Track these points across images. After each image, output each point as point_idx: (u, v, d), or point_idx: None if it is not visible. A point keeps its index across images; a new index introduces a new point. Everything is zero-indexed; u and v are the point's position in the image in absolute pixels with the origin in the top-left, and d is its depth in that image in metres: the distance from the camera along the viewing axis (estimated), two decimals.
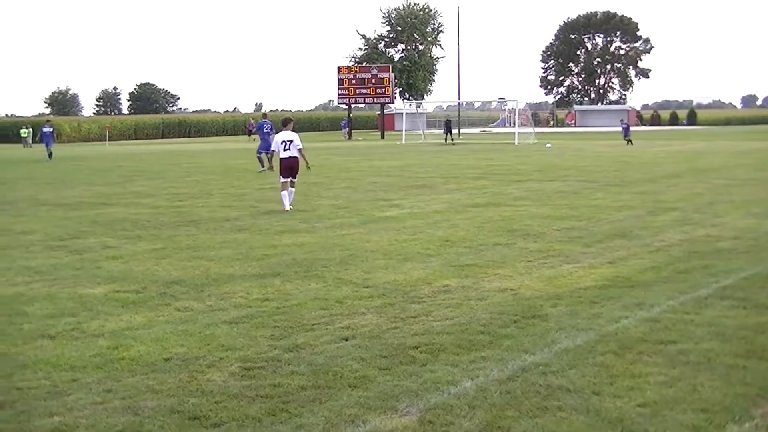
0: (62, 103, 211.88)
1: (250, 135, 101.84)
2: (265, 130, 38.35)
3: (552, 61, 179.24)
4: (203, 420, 7.07)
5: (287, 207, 21.91)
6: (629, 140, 65.50)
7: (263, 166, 36.28)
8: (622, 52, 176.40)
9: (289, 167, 22.21)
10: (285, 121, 23.26)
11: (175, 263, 14.55)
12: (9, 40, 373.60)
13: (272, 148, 22.55)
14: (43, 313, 10.94)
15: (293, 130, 22.78)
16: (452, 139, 76.21)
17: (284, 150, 22.25)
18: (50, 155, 55.12)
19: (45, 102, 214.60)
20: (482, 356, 8.69)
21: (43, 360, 8.84)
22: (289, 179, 22.24)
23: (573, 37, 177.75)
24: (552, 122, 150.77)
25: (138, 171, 39.67)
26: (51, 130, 58.00)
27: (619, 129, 71.37)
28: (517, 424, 6.84)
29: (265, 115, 41.12)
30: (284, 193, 22.20)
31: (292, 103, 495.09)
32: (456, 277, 12.96)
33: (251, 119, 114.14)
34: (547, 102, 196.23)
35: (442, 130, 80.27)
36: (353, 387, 7.80)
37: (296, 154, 22.23)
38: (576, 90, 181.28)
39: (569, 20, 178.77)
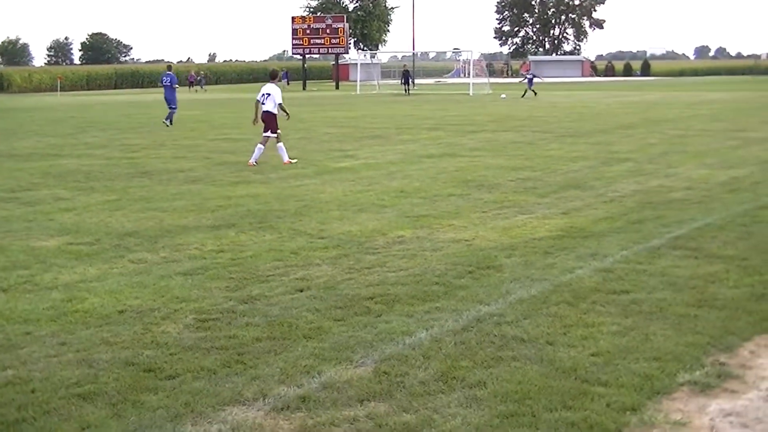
0: (12, 53, 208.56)
1: (191, 86, 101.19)
2: (164, 83, 37.35)
3: (507, 12, 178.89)
4: (158, 372, 7.05)
5: (253, 160, 21.64)
6: (531, 91, 63.48)
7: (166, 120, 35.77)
8: (577, 2, 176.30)
9: (265, 120, 21.98)
10: (273, 74, 23.14)
11: (128, 215, 14.45)
12: None
13: (256, 98, 22.32)
14: None
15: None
16: (408, 91, 75.59)
17: (262, 103, 22.12)
18: None
19: None
20: (437, 307, 8.73)
21: None
22: (268, 133, 21.99)
23: None
24: (506, 72, 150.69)
25: (90, 122, 39.27)
26: None
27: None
28: (471, 374, 6.88)
29: (169, 68, 39.48)
30: (259, 146, 21.99)
31: (246, 54, 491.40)
32: (411, 228, 12.98)
33: (192, 71, 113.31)
34: (501, 53, 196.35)
35: (400, 81, 79.53)
36: (308, 338, 7.81)
37: (271, 109, 21.96)
38: (531, 41, 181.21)
39: None
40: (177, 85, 37.11)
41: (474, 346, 7.52)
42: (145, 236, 12.59)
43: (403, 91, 74.71)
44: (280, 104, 22.06)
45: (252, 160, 21.63)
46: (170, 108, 35.74)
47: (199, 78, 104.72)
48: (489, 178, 18.19)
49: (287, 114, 22.78)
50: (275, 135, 21.96)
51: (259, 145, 21.92)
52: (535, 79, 67.16)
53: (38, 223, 13.82)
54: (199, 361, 7.28)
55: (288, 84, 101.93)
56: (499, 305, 8.75)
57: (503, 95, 61.99)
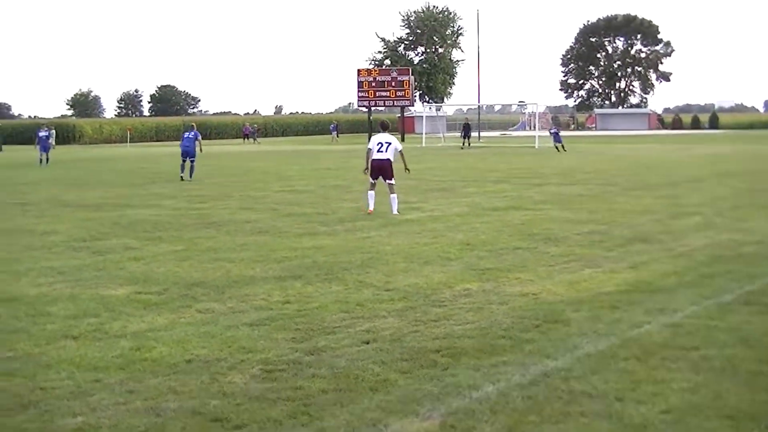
0: (84, 104, 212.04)
1: (245, 139, 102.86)
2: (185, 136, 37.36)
3: (572, 65, 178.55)
4: (225, 422, 7.08)
5: (371, 208, 21.78)
6: (561, 146, 62.42)
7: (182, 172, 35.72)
8: (643, 55, 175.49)
9: (379, 168, 21.96)
10: (383, 125, 23.21)
11: (196, 265, 14.58)
12: (32, 42, 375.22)
13: (368, 147, 22.50)
14: (66, 314, 10.98)
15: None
16: (469, 143, 74.82)
17: (377, 151, 22.07)
18: (41, 161, 50.40)
19: (67, 104, 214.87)
20: (504, 361, 8.67)
21: (66, 360, 8.88)
22: (377, 180, 22.05)
23: (593, 40, 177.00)
24: (572, 125, 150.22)
25: (159, 173, 39.80)
26: (47, 134, 53.19)
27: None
28: (539, 430, 6.82)
29: (192, 126, 39.17)
30: (371, 193, 22.07)
31: (311, 106, 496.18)
32: (477, 280, 12.93)
33: (245, 123, 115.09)
34: (567, 105, 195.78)
35: (460, 134, 79.01)
36: (374, 390, 7.79)
37: (389, 157, 22.02)
38: (596, 93, 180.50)
39: (589, 23, 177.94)
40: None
41: (541, 400, 7.45)
42: (212, 286, 12.68)
43: (461, 145, 73.72)
44: (400, 151, 22.29)
45: (370, 207, 21.74)
46: (191, 161, 35.73)
47: (252, 130, 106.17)
48: (555, 231, 18.08)
49: (406, 165, 23.03)
50: (391, 183, 21.94)
51: (371, 192, 22.03)
52: (562, 133, 66.46)
53: (108, 272, 13.99)
54: (266, 411, 7.30)
55: (338, 137, 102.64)
56: (567, 360, 8.67)
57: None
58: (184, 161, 35.70)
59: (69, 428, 6.98)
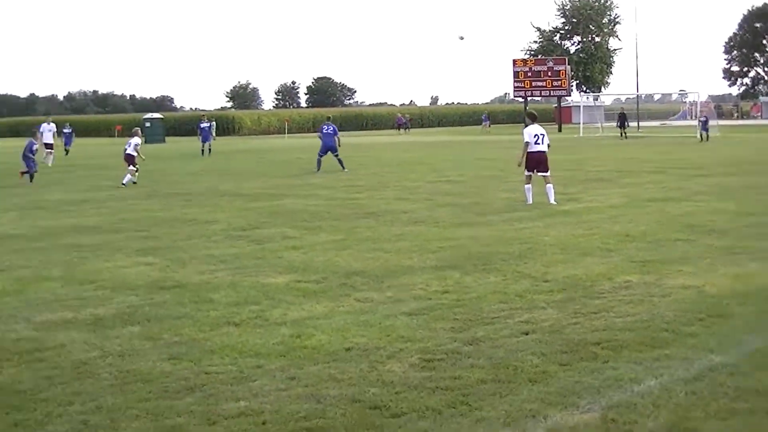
0: (243, 96, 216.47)
1: (399, 129, 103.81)
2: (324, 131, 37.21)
3: (736, 52, 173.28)
4: (383, 410, 7.12)
5: (530, 200, 21.68)
6: (706, 135, 60.24)
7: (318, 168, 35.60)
8: None
9: (537, 160, 22.04)
10: (533, 116, 23.13)
11: (354, 254, 14.71)
12: (193, 37, 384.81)
13: (525, 140, 22.35)
14: (228, 301, 11.23)
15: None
16: (625, 134, 72.80)
17: (535, 143, 22.11)
18: (203, 152, 52.04)
19: (227, 96, 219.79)
20: (666, 354, 8.49)
21: (229, 346, 9.08)
22: (533, 173, 22.04)
23: (758, 25, 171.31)
24: (736, 114, 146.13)
25: (315, 163, 40.32)
26: (209, 125, 54.83)
27: None
28: (704, 426, 6.65)
29: (329, 118, 39.17)
30: (528, 186, 21.98)
31: (467, 96, 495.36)
32: (637, 272, 12.69)
33: (398, 114, 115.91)
34: (730, 94, 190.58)
35: (616, 124, 77.11)
36: (533, 382, 7.73)
37: (545, 149, 22.17)
38: (762, 81, 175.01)
39: (754, 9, 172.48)
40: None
41: (706, 396, 7.26)
42: (370, 275, 12.78)
43: (619, 135, 71.98)
44: (548, 144, 22.33)
45: (529, 200, 21.62)
46: (335, 155, 35.75)
47: (404, 121, 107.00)
48: (718, 224, 17.59)
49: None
50: (546, 174, 21.97)
51: (528, 186, 21.92)
52: (711, 122, 64.40)
53: (267, 261, 14.24)
54: (424, 400, 7.31)
55: (489, 127, 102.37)
56: (732, 355, 8.42)
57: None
58: (322, 155, 35.97)
59: (233, 412, 7.13)
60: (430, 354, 8.66)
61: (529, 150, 22.11)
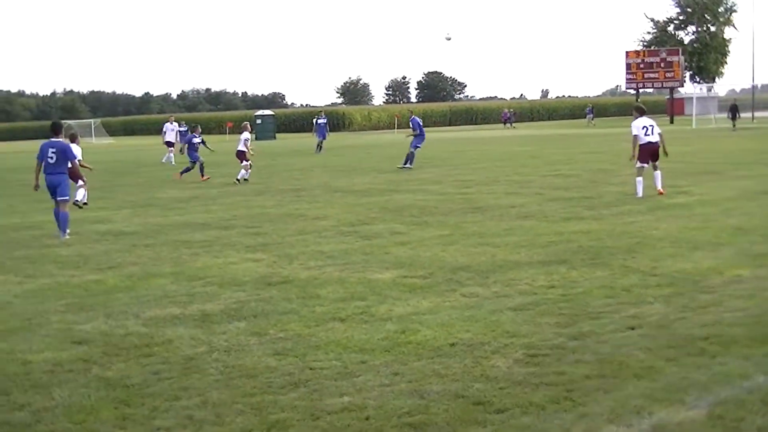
0: (353, 92, 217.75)
1: (505, 124, 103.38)
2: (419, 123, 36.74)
3: None
4: (487, 405, 7.11)
5: (640, 193, 21.49)
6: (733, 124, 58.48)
7: (406, 164, 35.25)
8: None
9: (651, 152, 21.97)
10: (641, 110, 23.03)
11: (461, 249, 14.70)
12: (305, 33, 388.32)
13: (633, 133, 22.29)
14: (335, 297, 11.32)
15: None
16: (734, 125, 70.88)
17: (645, 135, 22.05)
18: (319, 148, 51.75)
19: (337, 92, 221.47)
20: None
21: (334, 341, 9.15)
22: (647, 164, 21.92)
23: None
24: None
25: (426, 158, 40.27)
26: (325, 120, 54.65)
27: None
28: None
29: (411, 112, 38.25)
30: (639, 179, 21.81)
31: (578, 89, 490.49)
32: (749, 266, 12.43)
33: (504, 108, 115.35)
34: None
35: (727, 115, 75.25)
36: (639, 377, 7.64)
37: (658, 139, 22.10)
38: None
39: None
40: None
41: None
42: (477, 271, 12.75)
43: (731, 126, 70.20)
44: (660, 134, 22.22)
45: (639, 193, 21.45)
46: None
47: (509, 115, 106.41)
48: None
49: (665, 149, 22.50)
50: (657, 163, 21.92)
51: (639, 178, 21.76)
52: None
53: (375, 256, 14.31)
54: (528, 396, 7.27)
55: (593, 120, 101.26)
56: None
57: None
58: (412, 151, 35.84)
59: (336, 407, 7.18)
60: (534, 349, 8.62)
61: (641, 142, 21.91)
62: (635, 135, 22.08)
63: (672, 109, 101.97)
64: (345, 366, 8.29)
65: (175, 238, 17.18)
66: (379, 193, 25.13)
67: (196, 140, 33.99)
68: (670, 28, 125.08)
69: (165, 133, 46.48)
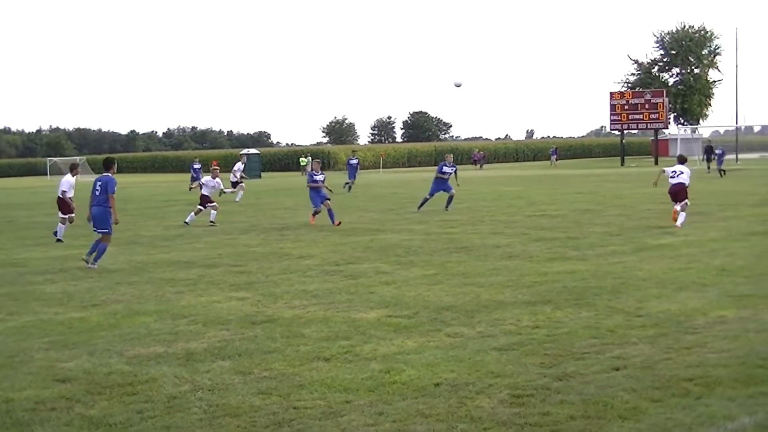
0: (339, 132, 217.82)
1: (474, 165, 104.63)
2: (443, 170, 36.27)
3: None
4: None
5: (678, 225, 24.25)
6: (722, 171, 59.93)
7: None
8: None
9: (675, 192, 25.13)
10: (681, 159, 26.89)
11: (446, 289, 14.70)
12: (290, 73, 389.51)
13: (664, 172, 26.51)
14: (319, 336, 11.29)
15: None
16: (709, 167, 69.57)
17: (671, 177, 25.58)
18: (349, 187, 49.88)
19: (323, 131, 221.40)
20: (761, 391, 8.32)
21: (318, 381, 9.12)
22: (678, 206, 24.85)
23: None
24: None
25: (411, 198, 40.30)
26: (357, 161, 53.64)
27: None
28: None
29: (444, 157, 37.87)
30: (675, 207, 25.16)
31: (563, 130, 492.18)
32: (733, 307, 12.47)
33: (475, 150, 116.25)
34: None
35: (702, 157, 74.58)
36: (624, 418, 7.64)
37: (683, 180, 25.24)
38: None
39: None
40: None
41: None
42: (462, 310, 12.75)
43: (706, 168, 68.78)
44: (689, 176, 25.72)
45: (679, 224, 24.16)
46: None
47: (479, 157, 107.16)
48: None
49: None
50: (683, 203, 24.85)
51: (678, 209, 24.87)
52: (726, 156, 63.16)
53: (359, 296, 14.30)
54: None
55: (556, 161, 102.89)
56: None
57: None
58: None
59: None
60: (519, 390, 8.61)
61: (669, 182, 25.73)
62: (662, 170, 26.98)
63: (656, 150, 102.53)
64: (329, 405, 8.26)
65: (159, 276, 17.13)
66: (365, 232, 25.13)
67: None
68: (655, 69, 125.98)
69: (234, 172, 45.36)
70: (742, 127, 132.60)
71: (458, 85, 47.88)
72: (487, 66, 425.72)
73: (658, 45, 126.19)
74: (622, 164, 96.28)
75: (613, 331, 11.11)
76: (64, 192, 25.75)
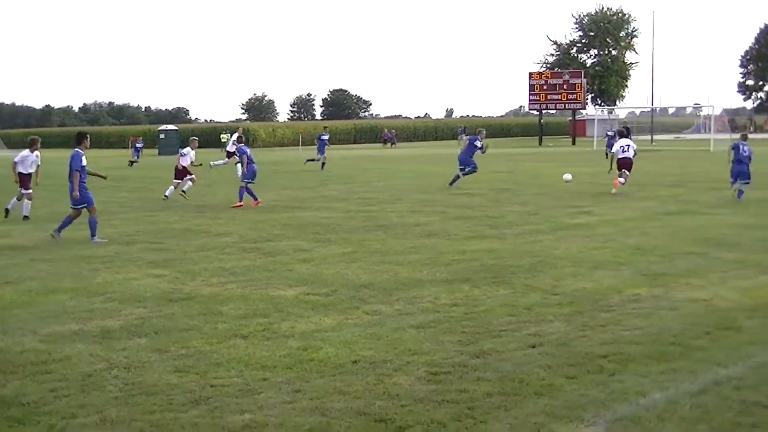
0: (258, 108, 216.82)
1: (385, 143, 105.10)
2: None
3: (751, 66, 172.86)
4: (389, 423, 7.13)
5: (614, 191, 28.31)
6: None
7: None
8: None
9: (626, 164, 29.23)
10: (626, 131, 31.73)
11: (365, 267, 14.72)
12: (209, 48, 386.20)
13: (613, 150, 30.49)
14: (237, 313, 11.25)
15: None
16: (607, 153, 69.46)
17: (623, 152, 29.36)
18: (322, 164, 48.22)
19: (242, 108, 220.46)
20: (673, 368, 8.48)
21: (235, 358, 9.09)
22: (623, 171, 29.07)
23: None
24: (751, 128, 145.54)
25: (330, 176, 40.35)
26: (327, 137, 51.62)
27: None
28: None
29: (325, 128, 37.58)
30: (619, 179, 28.91)
31: (482, 109, 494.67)
32: (647, 286, 12.68)
33: (386, 129, 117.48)
34: (745, 108, 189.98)
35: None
36: (539, 395, 7.73)
37: (631, 155, 29.35)
38: None
39: None
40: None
41: (712, 410, 7.25)
42: (380, 288, 12.79)
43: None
44: (635, 150, 29.91)
45: (615, 190, 28.38)
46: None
47: (391, 135, 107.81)
48: (730, 237, 17.59)
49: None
50: (628, 172, 29.11)
51: (621, 180, 28.86)
52: (725, 135, 64.38)
53: (277, 273, 14.26)
54: (430, 413, 7.31)
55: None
56: (739, 369, 8.42)
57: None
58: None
59: (237, 425, 7.13)
60: (436, 367, 8.67)
61: (619, 157, 29.41)
62: (613, 152, 30.21)
63: (574, 130, 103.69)
64: (247, 383, 8.24)
65: (75, 253, 16.88)
66: (283, 209, 25.05)
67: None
68: (573, 50, 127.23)
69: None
70: (658, 109, 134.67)
71: (568, 181, 39.43)
72: (407, 44, 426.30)
73: (576, 26, 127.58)
74: (540, 144, 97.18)
75: (530, 309, 11.23)
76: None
